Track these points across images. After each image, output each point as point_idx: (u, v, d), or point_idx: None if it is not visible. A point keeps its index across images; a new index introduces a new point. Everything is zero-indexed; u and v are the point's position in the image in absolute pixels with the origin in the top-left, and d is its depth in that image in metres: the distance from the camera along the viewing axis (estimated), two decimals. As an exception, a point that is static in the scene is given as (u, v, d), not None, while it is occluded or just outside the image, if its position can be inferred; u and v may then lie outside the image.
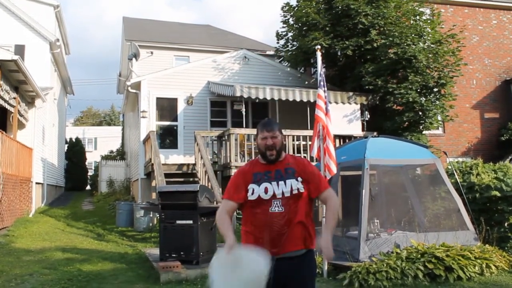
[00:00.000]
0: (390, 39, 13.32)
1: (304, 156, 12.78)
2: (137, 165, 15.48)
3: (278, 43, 17.13)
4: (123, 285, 6.35)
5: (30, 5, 17.76)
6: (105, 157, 27.61)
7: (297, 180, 3.01)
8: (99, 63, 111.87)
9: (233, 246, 2.80)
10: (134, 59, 16.93)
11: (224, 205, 3.15)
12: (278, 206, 2.95)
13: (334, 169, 6.91)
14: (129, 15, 69.58)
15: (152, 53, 18.84)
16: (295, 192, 2.97)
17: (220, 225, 3.09)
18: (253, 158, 12.58)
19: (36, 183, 15.11)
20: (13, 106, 12.56)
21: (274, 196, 2.96)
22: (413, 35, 13.47)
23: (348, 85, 14.76)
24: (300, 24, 15.33)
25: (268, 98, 13.12)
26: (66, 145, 27.22)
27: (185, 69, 15.44)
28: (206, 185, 10.80)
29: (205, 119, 15.05)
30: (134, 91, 14.84)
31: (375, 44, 13.68)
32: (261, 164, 3.13)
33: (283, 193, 2.97)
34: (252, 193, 3.00)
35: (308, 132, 12.59)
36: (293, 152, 12.61)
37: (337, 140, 12.91)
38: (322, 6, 14.67)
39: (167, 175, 11.62)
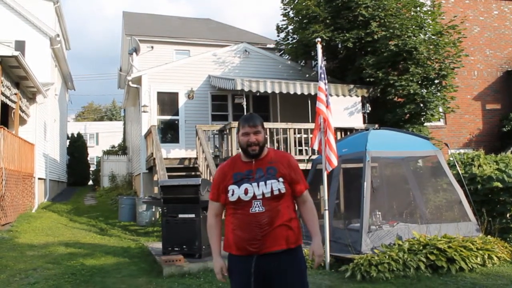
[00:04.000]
0: (391, 31, 13.27)
1: (306, 149, 12.79)
2: (139, 159, 15.50)
3: (278, 36, 17.10)
4: (126, 279, 6.38)
5: (30, 1, 17.72)
6: (107, 152, 27.65)
7: (278, 180, 2.91)
8: (100, 58, 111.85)
9: (221, 272, 3.00)
10: (134, 53, 16.90)
11: (211, 208, 3.12)
12: (258, 206, 2.87)
13: (335, 161, 6.92)
14: (129, 9, 69.51)
15: (152, 47, 18.82)
16: (276, 193, 2.89)
17: (209, 237, 3.12)
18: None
19: (39, 178, 15.15)
20: (15, 102, 12.57)
21: (254, 197, 2.88)
22: (413, 26, 13.42)
23: (349, 77, 14.72)
24: (300, 17, 15.28)
25: (269, 91, 13.11)
26: (68, 141, 27.27)
27: (185, 63, 15.41)
28: (208, 178, 10.82)
29: (206, 113, 15.05)
30: (135, 85, 14.84)
31: (375, 36, 13.62)
32: (242, 163, 3.02)
33: (263, 194, 2.88)
34: (232, 194, 2.93)
35: (309, 125, 12.59)
36: (295, 145, 12.62)
37: (338, 133, 12.92)
38: (322, -2, 14.62)
39: (168, 169, 11.64)
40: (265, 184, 2.89)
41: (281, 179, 2.92)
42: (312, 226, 3.08)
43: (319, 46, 7.47)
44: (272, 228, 2.85)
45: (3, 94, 11.33)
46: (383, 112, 13.93)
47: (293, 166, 3.03)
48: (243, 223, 2.89)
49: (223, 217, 3.14)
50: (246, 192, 2.90)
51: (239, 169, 3.00)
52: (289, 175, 2.97)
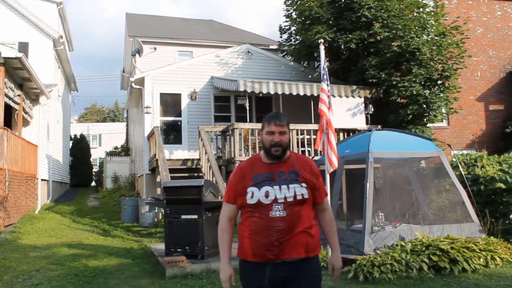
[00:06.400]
0: (394, 32, 13.26)
1: (308, 150, 12.79)
2: (142, 160, 15.53)
3: (281, 37, 17.14)
4: (129, 280, 6.39)
5: (33, 3, 17.78)
6: (110, 153, 27.72)
7: (301, 185, 2.75)
8: (103, 60, 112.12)
9: (229, 280, 2.82)
10: (137, 55, 16.96)
11: (226, 210, 2.92)
12: (279, 211, 2.69)
13: (335, 162, 6.90)
14: (131, 10, 69.63)
15: (155, 49, 18.85)
16: (299, 197, 2.72)
17: (220, 241, 2.92)
18: (257, 152, 12.59)
19: (42, 179, 15.19)
20: (18, 103, 12.60)
21: (275, 200, 2.70)
22: (416, 27, 13.41)
23: (352, 78, 14.72)
24: (303, 18, 15.29)
25: (272, 92, 13.12)
26: (71, 142, 27.33)
27: (188, 65, 15.44)
28: (211, 180, 10.83)
29: (209, 114, 15.06)
30: (137, 87, 14.86)
31: (378, 37, 13.62)
32: (263, 164, 2.84)
33: (285, 198, 2.70)
34: (252, 197, 2.74)
35: (312, 126, 12.60)
36: (297, 146, 12.61)
37: (341, 134, 12.93)
38: (325, -1, 14.63)
39: (171, 170, 11.65)
40: (288, 188, 2.73)
41: (304, 184, 2.77)
42: (331, 238, 2.97)
43: (322, 47, 7.47)
44: (292, 234, 2.69)
45: (6, 95, 11.37)
46: (386, 113, 13.91)
47: (315, 172, 2.88)
48: (262, 227, 2.71)
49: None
50: (267, 195, 2.71)
51: (259, 170, 2.81)
52: (311, 180, 2.81)
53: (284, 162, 2.82)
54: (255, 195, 2.74)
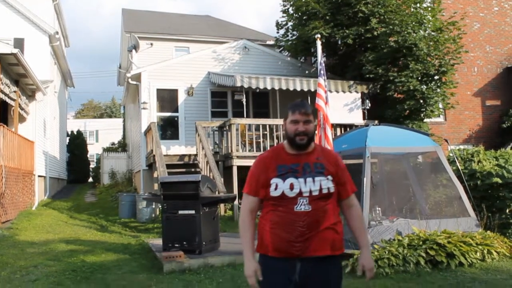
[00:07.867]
0: (391, 27, 13.27)
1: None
2: (139, 156, 15.51)
3: (278, 32, 17.11)
4: (126, 275, 6.39)
5: (28, -2, 17.70)
6: (107, 149, 27.61)
7: (327, 178, 2.63)
8: (99, 55, 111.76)
9: (255, 275, 2.63)
10: (134, 50, 16.89)
11: (247, 202, 2.77)
12: (304, 205, 2.57)
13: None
14: (128, 6, 69.35)
15: (152, 44, 18.79)
16: (324, 191, 2.61)
17: (241, 234, 2.75)
18: (254, 148, 12.60)
19: (39, 176, 15.15)
20: (14, 100, 12.56)
21: (300, 193, 2.58)
22: (413, 23, 13.42)
23: (349, 74, 14.73)
24: (300, 14, 15.28)
25: (269, 87, 13.11)
26: (68, 138, 27.28)
27: (185, 60, 15.41)
28: (208, 175, 10.83)
29: (206, 110, 15.05)
30: (134, 82, 14.84)
31: (375, 33, 13.62)
32: (287, 155, 2.70)
33: (310, 192, 2.59)
34: (276, 189, 2.61)
35: (309, 122, 12.58)
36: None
37: (338, 129, 12.94)
38: (322, -6, 14.62)
39: (168, 166, 11.65)
40: (313, 181, 2.61)
41: (329, 177, 2.65)
42: (360, 235, 2.81)
43: (318, 43, 7.49)
44: (318, 230, 2.59)
45: (2, 91, 11.32)
46: (383, 108, 13.93)
47: (340, 166, 2.76)
48: (286, 222, 2.59)
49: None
50: (291, 187, 2.59)
51: (283, 161, 2.68)
52: (336, 174, 2.70)
53: (309, 153, 2.71)
54: (279, 187, 2.62)
